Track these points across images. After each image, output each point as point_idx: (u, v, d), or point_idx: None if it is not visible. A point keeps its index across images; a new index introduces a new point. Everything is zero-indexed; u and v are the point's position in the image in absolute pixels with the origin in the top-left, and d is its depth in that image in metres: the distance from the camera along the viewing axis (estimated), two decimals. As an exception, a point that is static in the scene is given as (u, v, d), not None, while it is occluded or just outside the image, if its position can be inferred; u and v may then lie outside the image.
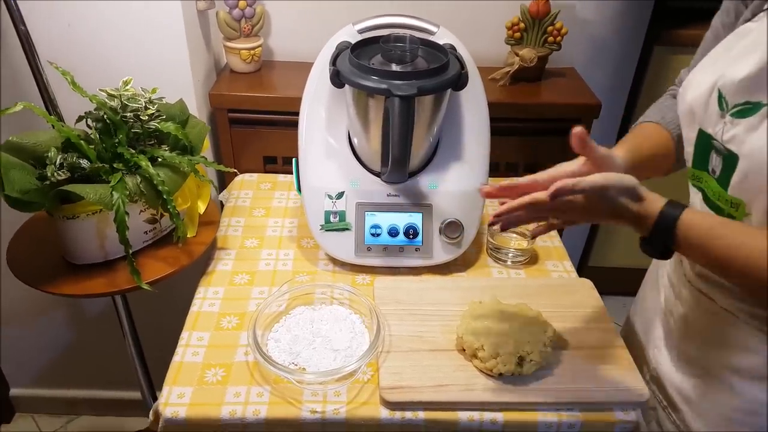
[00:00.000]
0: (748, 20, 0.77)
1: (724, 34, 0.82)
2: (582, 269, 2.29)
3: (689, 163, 0.84)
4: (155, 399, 0.90)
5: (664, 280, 0.99)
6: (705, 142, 0.79)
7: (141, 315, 1.38)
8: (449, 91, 1.07)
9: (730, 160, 0.74)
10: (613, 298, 2.22)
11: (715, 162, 0.77)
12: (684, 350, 0.92)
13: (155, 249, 1.11)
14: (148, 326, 1.45)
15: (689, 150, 0.83)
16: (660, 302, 0.99)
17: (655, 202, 0.74)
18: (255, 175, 1.46)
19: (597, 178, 0.74)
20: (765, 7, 0.75)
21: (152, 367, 1.39)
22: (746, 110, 0.71)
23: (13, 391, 1.91)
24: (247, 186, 1.42)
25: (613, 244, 2.27)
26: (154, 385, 1.45)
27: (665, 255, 0.77)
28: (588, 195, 0.74)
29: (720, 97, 0.75)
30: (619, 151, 0.86)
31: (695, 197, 0.84)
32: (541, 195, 0.75)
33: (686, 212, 0.73)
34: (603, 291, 1.11)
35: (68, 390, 1.90)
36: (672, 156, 0.91)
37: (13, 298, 1.64)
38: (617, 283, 2.15)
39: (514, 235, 1.20)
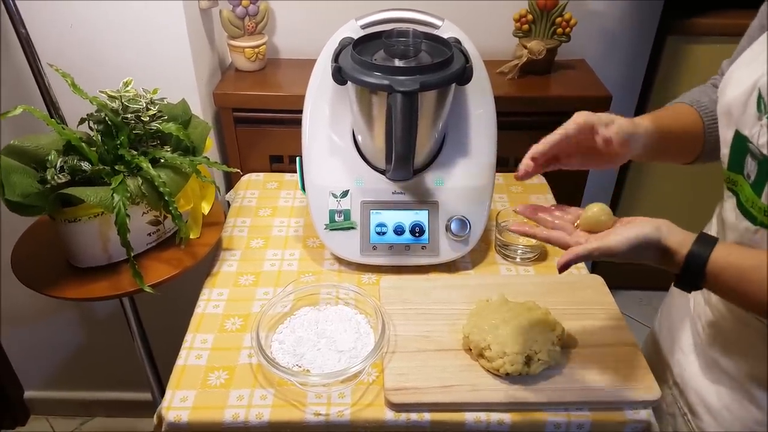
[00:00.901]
0: None
1: None
2: (597, 263, 2.26)
3: (725, 165, 0.79)
4: (165, 400, 0.89)
5: None
6: (741, 144, 0.74)
7: (150, 316, 1.38)
8: (454, 85, 1.04)
9: (766, 166, 0.70)
10: (629, 293, 2.20)
11: (751, 166, 0.73)
12: (710, 357, 0.88)
13: (159, 251, 1.10)
14: (158, 327, 1.44)
15: (725, 152, 0.78)
16: (689, 306, 0.95)
17: (678, 252, 0.71)
18: (261, 174, 1.45)
19: (618, 248, 0.71)
20: None
21: (162, 368, 1.39)
22: None
23: (27, 394, 1.92)
24: (254, 186, 1.41)
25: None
26: (164, 386, 1.44)
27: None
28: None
29: (759, 98, 0.70)
30: (646, 122, 0.80)
31: (728, 202, 0.80)
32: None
33: (713, 257, 0.69)
34: (618, 286, 1.09)
35: (82, 392, 1.91)
36: (699, 141, 0.86)
37: (24, 302, 1.64)
38: (633, 278, 2.13)
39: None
